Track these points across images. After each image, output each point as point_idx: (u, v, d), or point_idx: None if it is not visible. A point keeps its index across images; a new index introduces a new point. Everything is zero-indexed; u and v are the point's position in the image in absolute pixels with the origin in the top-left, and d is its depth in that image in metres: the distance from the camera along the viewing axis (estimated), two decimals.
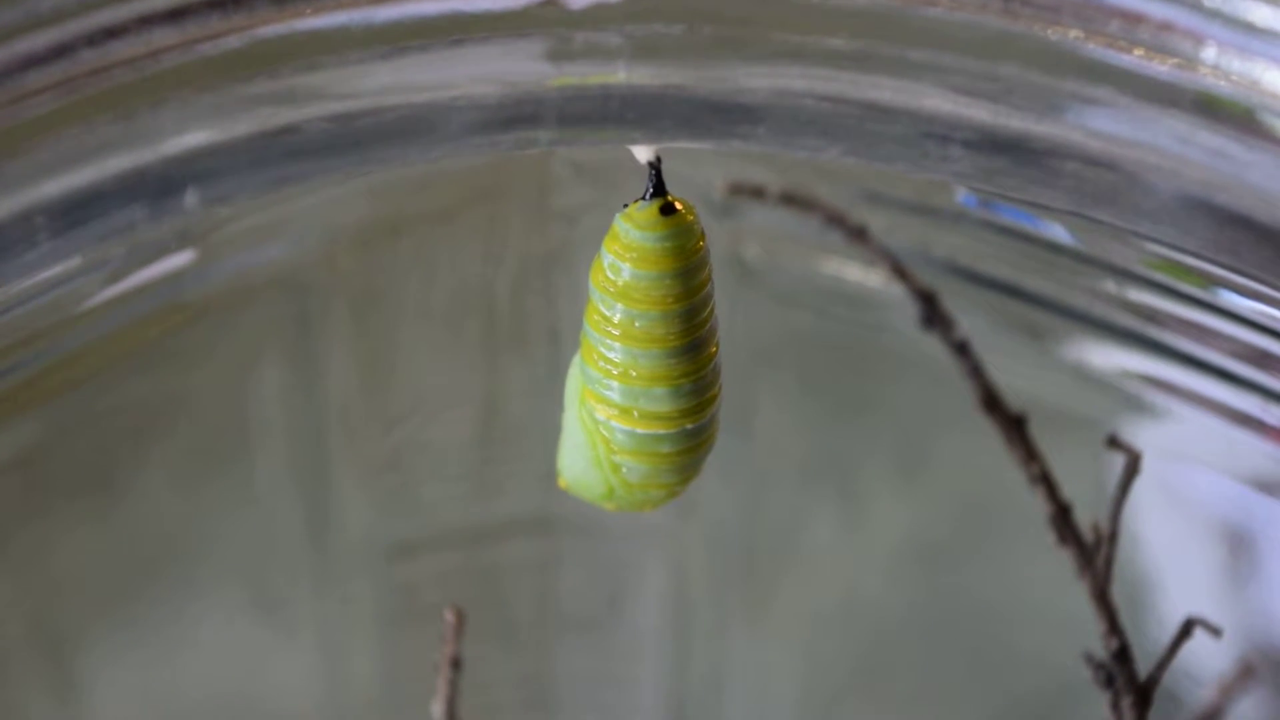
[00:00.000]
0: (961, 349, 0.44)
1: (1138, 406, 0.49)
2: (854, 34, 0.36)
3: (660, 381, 0.37)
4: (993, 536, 0.56)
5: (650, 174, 0.36)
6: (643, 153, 0.36)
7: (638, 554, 0.55)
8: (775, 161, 0.44)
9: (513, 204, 0.48)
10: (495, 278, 0.50)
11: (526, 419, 0.52)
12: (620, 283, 0.36)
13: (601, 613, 0.56)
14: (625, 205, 0.37)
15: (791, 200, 0.46)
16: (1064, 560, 0.45)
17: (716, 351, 0.38)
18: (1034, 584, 0.54)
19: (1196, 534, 0.50)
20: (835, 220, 0.45)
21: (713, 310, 0.38)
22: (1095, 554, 0.43)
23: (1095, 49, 0.36)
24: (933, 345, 0.54)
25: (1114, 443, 0.43)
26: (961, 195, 0.46)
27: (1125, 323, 0.47)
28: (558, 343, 0.51)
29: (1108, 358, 0.48)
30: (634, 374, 0.37)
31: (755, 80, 0.36)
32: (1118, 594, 0.42)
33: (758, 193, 0.43)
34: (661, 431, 0.38)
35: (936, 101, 0.37)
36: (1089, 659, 0.42)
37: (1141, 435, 0.49)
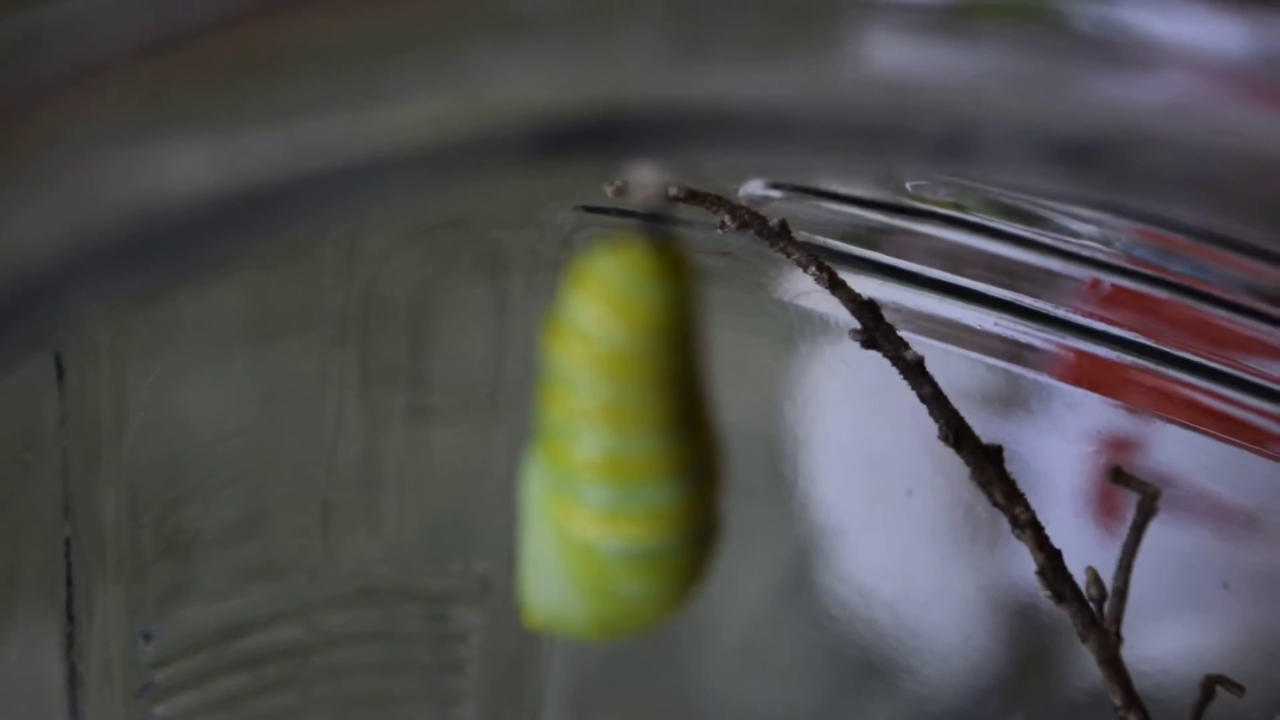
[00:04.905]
0: (917, 370, 0.37)
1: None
2: None
3: (661, 472, 0.28)
4: None
5: (647, 204, 0.27)
6: (645, 174, 0.27)
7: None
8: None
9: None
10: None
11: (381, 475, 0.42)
12: (602, 350, 0.27)
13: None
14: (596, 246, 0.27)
15: (695, 197, 0.39)
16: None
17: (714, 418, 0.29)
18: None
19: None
20: (750, 219, 0.38)
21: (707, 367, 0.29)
22: (1100, 611, 0.36)
23: None
24: None
25: (1120, 476, 0.37)
26: None
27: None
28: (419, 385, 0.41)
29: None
30: (624, 466, 0.28)
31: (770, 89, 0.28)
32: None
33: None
34: (664, 536, 0.29)
35: None
36: None
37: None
